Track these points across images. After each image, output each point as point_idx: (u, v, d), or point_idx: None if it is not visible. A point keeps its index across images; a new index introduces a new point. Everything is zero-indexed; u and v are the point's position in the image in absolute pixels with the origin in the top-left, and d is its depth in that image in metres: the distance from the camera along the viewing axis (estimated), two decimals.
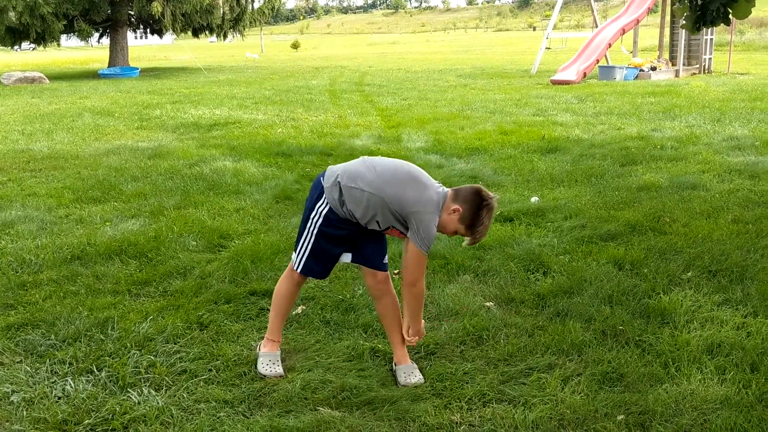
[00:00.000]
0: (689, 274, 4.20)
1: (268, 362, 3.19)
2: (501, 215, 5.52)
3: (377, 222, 2.94)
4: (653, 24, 31.40)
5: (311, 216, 3.05)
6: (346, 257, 3.12)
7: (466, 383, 3.04)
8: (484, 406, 2.88)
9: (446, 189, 2.98)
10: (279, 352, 3.26)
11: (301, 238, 3.10)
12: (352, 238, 3.06)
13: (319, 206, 3.03)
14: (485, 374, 3.11)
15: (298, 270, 3.13)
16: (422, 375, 3.11)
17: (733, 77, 17.50)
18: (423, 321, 3.15)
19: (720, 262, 4.34)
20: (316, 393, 2.98)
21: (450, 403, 2.90)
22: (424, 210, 2.87)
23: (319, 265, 3.12)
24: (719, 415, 2.74)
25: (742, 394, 2.87)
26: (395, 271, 4.32)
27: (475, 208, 2.88)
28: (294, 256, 3.15)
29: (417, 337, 3.14)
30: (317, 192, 3.06)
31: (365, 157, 3.10)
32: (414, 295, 3.03)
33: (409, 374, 3.09)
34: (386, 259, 3.16)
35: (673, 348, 3.27)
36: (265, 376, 3.12)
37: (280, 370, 3.16)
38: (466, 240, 2.98)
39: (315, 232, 3.04)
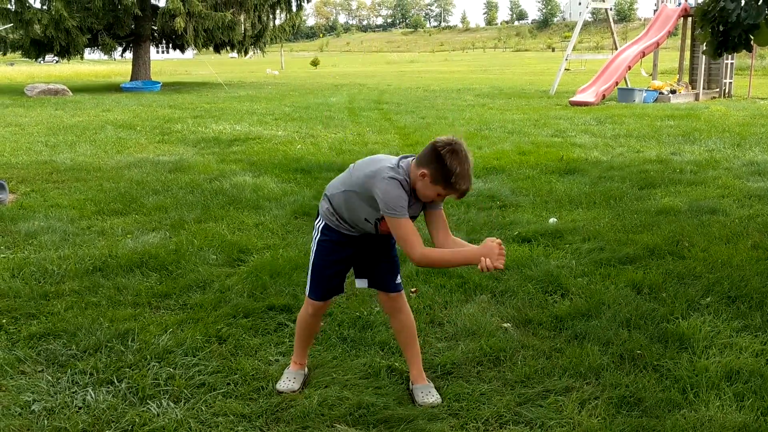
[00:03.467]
0: (708, 299, 4.18)
1: (286, 378, 3.22)
2: (519, 236, 5.53)
3: (365, 220, 2.92)
4: (673, 47, 31.36)
5: (313, 236, 3.12)
6: (362, 283, 3.16)
7: (483, 404, 3.05)
8: (501, 428, 2.88)
9: (411, 158, 2.84)
10: (304, 371, 3.29)
11: (309, 262, 3.17)
12: (351, 258, 3.08)
13: (317, 223, 3.11)
14: (502, 395, 3.11)
15: (306, 294, 3.18)
16: (439, 395, 3.11)
17: (753, 102, 17.42)
18: (484, 244, 2.72)
19: (739, 288, 4.32)
20: (332, 410, 3.00)
21: (466, 424, 2.90)
22: (379, 176, 2.76)
23: (320, 286, 3.12)
24: None
25: (761, 422, 2.85)
26: (412, 290, 4.35)
27: (438, 161, 2.68)
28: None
29: (487, 264, 2.65)
30: (317, 212, 3.16)
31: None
32: (429, 263, 2.88)
33: (427, 393, 3.10)
34: (399, 279, 3.17)
35: (692, 373, 3.25)
36: (280, 391, 3.15)
37: (293, 386, 3.17)
38: (453, 196, 2.79)
39: (315, 249, 3.10)
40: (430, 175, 2.72)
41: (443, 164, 2.68)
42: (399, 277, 3.18)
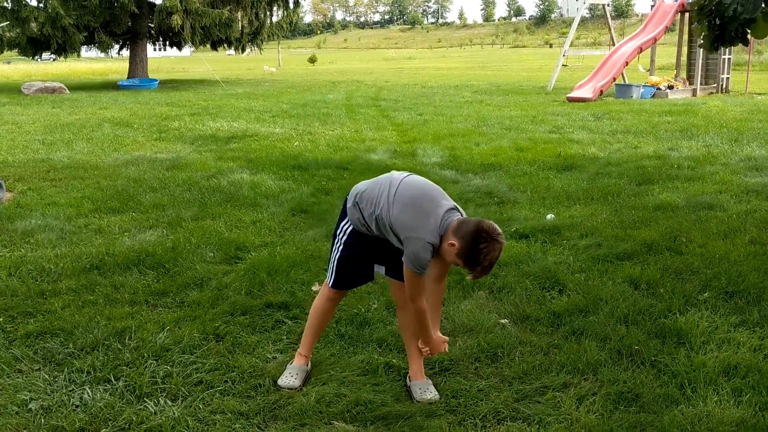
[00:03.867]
0: (706, 294, 4.18)
1: (289, 374, 3.22)
2: (516, 232, 5.52)
3: (394, 236, 2.96)
4: (670, 43, 31.34)
5: (337, 233, 3.17)
6: (380, 269, 3.20)
7: (481, 400, 3.05)
8: (499, 424, 2.88)
9: (455, 216, 2.86)
10: (306, 367, 3.29)
11: (331, 254, 3.21)
12: (376, 252, 3.12)
13: (344, 225, 3.14)
14: (500, 392, 3.11)
15: (330, 284, 3.22)
16: (437, 391, 3.11)
17: (750, 97, 17.42)
18: (439, 336, 3.11)
19: (737, 284, 4.32)
20: (330, 407, 3.00)
21: (464, 420, 2.90)
22: (416, 236, 2.80)
23: (345, 276, 3.17)
24: None
25: (759, 417, 2.86)
26: None
27: (473, 246, 2.71)
28: (327, 273, 3.25)
29: (427, 349, 3.10)
30: (342, 211, 3.18)
31: (394, 173, 3.07)
32: (414, 311, 2.99)
33: (425, 390, 3.10)
34: None
35: (689, 369, 3.25)
36: (280, 387, 3.15)
37: (295, 382, 3.17)
38: (468, 275, 2.86)
39: (341, 248, 3.14)
40: (459, 249, 2.75)
41: (477, 251, 2.72)
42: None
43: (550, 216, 6.02)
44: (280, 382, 3.18)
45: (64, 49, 24.04)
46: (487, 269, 2.79)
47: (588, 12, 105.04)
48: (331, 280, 3.20)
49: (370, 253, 3.13)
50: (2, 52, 25.58)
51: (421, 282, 2.89)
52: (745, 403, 2.97)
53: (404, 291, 3.11)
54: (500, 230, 2.77)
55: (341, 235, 3.14)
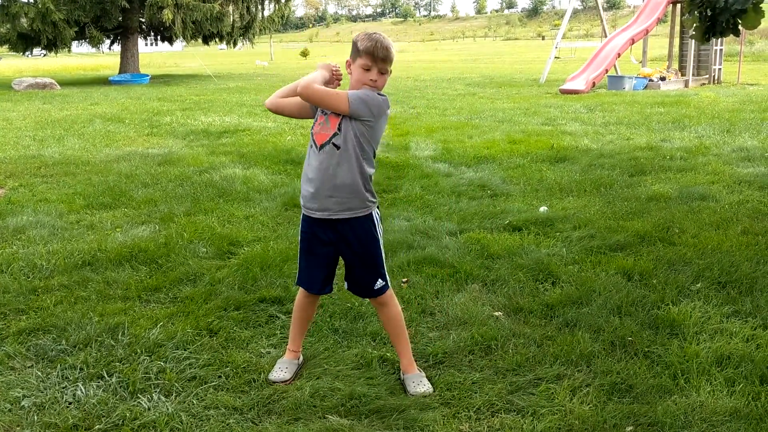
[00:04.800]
0: (698, 285, 4.19)
1: (278, 368, 3.22)
2: (509, 224, 5.52)
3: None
4: (663, 34, 31.39)
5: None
6: (346, 284, 3.22)
7: (475, 393, 3.05)
8: (493, 416, 2.88)
9: None
10: (297, 360, 3.29)
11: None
12: (314, 249, 3.11)
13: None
14: (494, 384, 3.11)
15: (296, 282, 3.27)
16: (431, 384, 3.11)
17: (742, 88, 17.47)
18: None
19: (729, 274, 4.33)
20: (324, 401, 2.99)
21: (458, 413, 2.91)
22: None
23: (300, 270, 3.21)
24: (728, 427, 2.74)
25: (752, 407, 2.87)
26: (403, 280, 4.34)
27: (353, 44, 2.96)
28: None
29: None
30: None
31: None
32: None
33: (418, 383, 3.10)
34: (379, 284, 3.13)
35: (682, 359, 3.26)
36: (271, 381, 3.15)
37: (284, 375, 3.17)
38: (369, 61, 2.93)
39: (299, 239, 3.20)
40: (351, 59, 2.97)
41: (353, 44, 2.97)
42: (380, 280, 3.14)
43: (543, 208, 6.02)
44: (270, 376, 3.18)
45: (55, 44, 23.90)
46: (366, 39, 2.93)
47: (580, 3, 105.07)
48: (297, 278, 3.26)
49: (310, 250, 3.12)
50: None
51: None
52: (738, 392, 2.97)
53: (374, 299, 3.22)
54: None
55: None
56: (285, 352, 3.32)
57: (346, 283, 3.22)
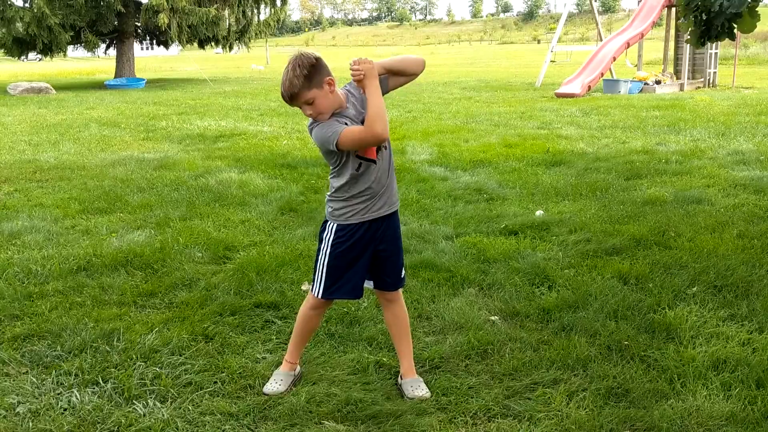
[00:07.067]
0: (694, 289, 4.20)
1: (273, 381, 3.17)
2: (505, 228, 5.52)
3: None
4: (658, 38, 31.43)
5: (323, 236, 3.06)
6: (369, 284, 3.16)
7: (471, 398, 3.04)
8: (489, 421, 2.88)
9: None
10: (293, 372, 3.22)
11: (316, 263, 3.09)
12: (365, 256, 3.03)
13: (329, 224, 3.05)
14: (490, 389, 3.11)
15: (317, 295, 3.09)
16: (428, 389, 3.10)
17: (737, 91, 17.52)
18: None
19: (725, 278, 4.34)
20: (320, 406, 2.99)
21: (455, 418, 2.90)
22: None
23: (334, 284, 3.05)
24: (725, 431, 2.74)
25: (748, 411, 2.87)
26: None
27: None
28: (313, 283, 3.13)
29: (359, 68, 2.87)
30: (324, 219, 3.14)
31: None
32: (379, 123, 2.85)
33: (416, 387, 3.09)
34: (403, 274, 3.19)
35: (679, 364, 3.26)
36: (265, 394, 3.11)
37: (279, 388, 3.13)
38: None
39: (328, 251, 3.02)
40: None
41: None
42: (403, 273, 3.19)
43: (539, 212, 6.02)
44: (264, 389, 3.14)
45: (50, 48, 23.87)
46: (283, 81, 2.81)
47: (575, 7, 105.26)
48: (319, 290, 3.06)
49: (359, 257, 3.02)
50: None
51: (358, 133, 2.82)
52: (734, 397, 2.98)
53: (389, 297, 3.18)
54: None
55: (328, 236, 3.03)
56: (282, 364, 3.28)
57: (372, 283, 3.16)
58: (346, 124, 2.84)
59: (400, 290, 3.23)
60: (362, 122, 2.86)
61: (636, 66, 21.07)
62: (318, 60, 2.82)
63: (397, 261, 3.17)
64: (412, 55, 3.00)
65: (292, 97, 2.81)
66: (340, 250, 3.01)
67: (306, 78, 2.77)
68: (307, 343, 3.39)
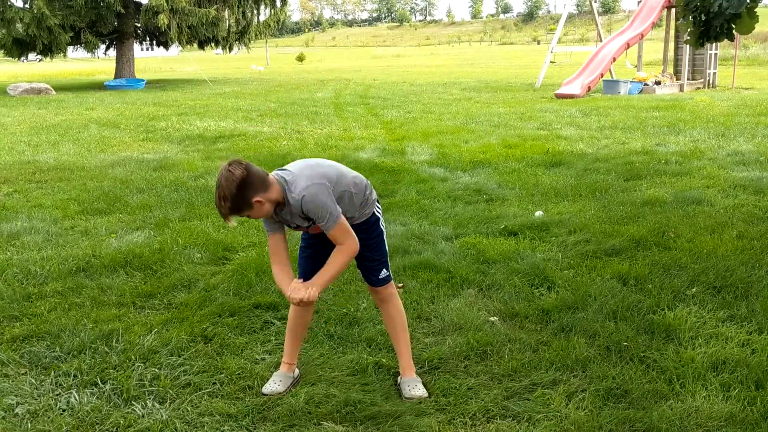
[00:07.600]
0: (694, 289, 4.19)
1: (272, 381, 3.18)
2: (505, 229, 5.52)
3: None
4: (658, 38, 31.45)
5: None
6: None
7: (470, 399, 3.04)
8: (488, 422, 2.87)
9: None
10: (291, 374, 3.23)
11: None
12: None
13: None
14: (489, 390, 3.11)
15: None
16: (427, 389, 3.10)
17: (737, 92, 17.52)
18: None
19: (725, 278, 4.33)
20: (319, 407, 2.98)
21: (454, 419, 2.90)
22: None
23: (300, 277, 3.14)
24: None
25: (747, 412, 2.86)
26: (399, 285, 4.33)
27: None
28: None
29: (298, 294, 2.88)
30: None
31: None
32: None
33: (414, 387, 3.09)
34: (383, 273, 3.16)
35: (678, 364, 3.26)
36: (264, 394, 3.11)
37: (278, 388, 3.13)
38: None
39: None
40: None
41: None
42: (383, 271, 3.17)
43: (538, 213, 6.02)
44: (263, 389, 3.14)
45: (50, 49, 23.86)
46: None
47: (575, 8, 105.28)
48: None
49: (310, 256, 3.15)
50: None
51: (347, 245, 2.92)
52: (733, 397, 2.97)
53: (374, 291, 3.23)
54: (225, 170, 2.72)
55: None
56: (280, 365, 3.27)
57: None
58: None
59: (390, 291, 3.21)
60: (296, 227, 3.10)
61: (636, 67, 21.07)
62: (242, 184, 2.70)
63: (371, 258, 3.16)
64: (340, 258, 2.93)
65: (225, 213, 2.79)
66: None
67: (231, 210, 2.76)
68: (302, 342, 3.38)
